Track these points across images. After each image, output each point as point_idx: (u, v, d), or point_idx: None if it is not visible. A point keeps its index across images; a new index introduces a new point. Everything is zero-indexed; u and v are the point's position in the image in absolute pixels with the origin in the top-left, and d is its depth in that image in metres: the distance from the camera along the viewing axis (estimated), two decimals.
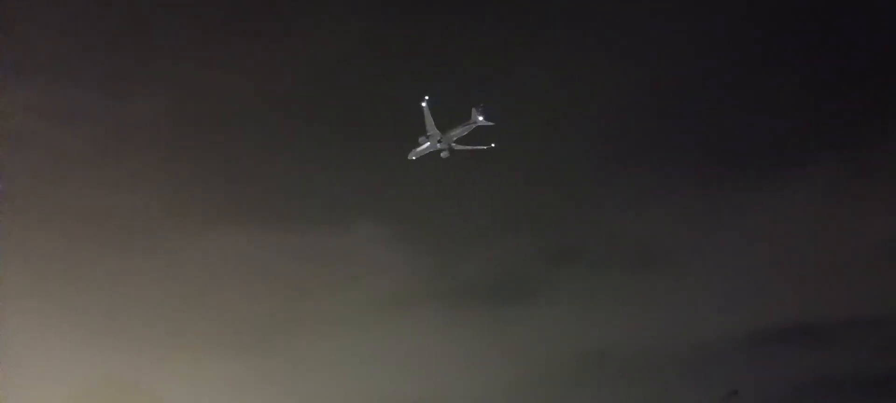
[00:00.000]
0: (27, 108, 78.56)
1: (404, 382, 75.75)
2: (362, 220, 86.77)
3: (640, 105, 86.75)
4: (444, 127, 40.93)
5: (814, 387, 72.75)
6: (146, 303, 76.08)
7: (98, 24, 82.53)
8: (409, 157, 40.95)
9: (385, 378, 77.76)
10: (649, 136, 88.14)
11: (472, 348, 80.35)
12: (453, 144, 40.61)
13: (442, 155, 40.49)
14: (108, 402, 47.26)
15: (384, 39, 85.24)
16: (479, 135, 43.65)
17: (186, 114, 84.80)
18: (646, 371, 73.64)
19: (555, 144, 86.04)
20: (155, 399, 50.35)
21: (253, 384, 74.87)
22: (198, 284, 78.69)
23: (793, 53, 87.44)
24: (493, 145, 41.70)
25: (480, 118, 38.91)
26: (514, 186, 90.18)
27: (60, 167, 78.69)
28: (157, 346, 73.20)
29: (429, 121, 37.84)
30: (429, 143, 39.22)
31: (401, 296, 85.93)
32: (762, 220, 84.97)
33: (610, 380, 73.67)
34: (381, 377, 76.79)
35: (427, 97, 37.94)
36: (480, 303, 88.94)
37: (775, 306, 79.50)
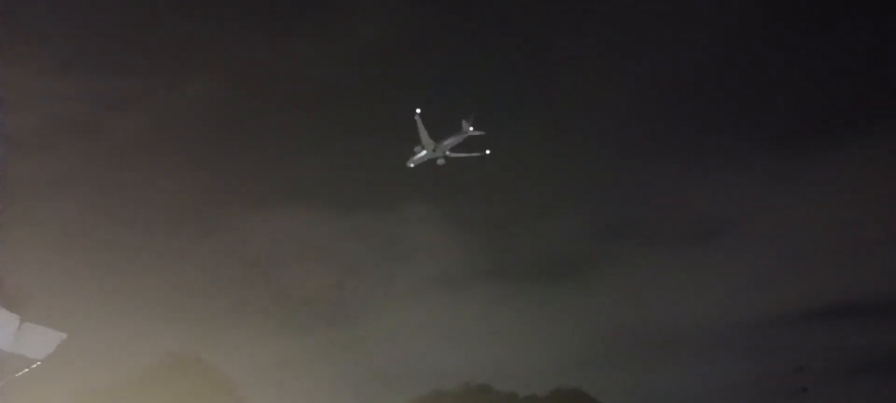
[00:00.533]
0: (79, 97, 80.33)
1: (457, 358, 75.79)
2: (411, 201, 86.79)
3: (692, 75, 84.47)
4: (440, 135, 42.03)
5: (879, 364, 70.14)
6: (206, 283, 77.54)
7: (145, 12, 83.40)
8: (408, 165, 42.26)
9: (438, 354, 77.90)
10: (701, 108, 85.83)
11: (524, 325, 79.81)
12: (448, 153, 41.70)
13: (438, 162, 41.69)
14: (172, 378, 48.19)
15: (425, 25, 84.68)
16: (479, 142, 44.63)
17: (236, 98, 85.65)
18: (704, 346, 71.95)
19: (604, 118, 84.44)
20: (217, 373, 51.28)
21: (310, 359, 75.83)
22: (255, 263, 79.91)
23: (854, 18, 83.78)
24: (487, 152, 42.83)
25: (470, 128, 40.18)
26: (564, 162, 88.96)
27: (116, 153, 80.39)
28: (218, 323, 74.59)
29: (422, 132, 38.72)
30: (425, 152, 40.31)
31: (452, 274, 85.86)
32: (822, 191, 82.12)
33: (665, 356, 72.25)
34: (434, 352, 76.93)
35: (419, 110, 38.67)
36: (531, 280, 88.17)
37: (838, 281, 76.77)
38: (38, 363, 4.19)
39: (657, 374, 65.17)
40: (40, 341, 4.15)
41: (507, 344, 72.97)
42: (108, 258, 71.67)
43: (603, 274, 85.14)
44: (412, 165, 41.35)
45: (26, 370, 4.34)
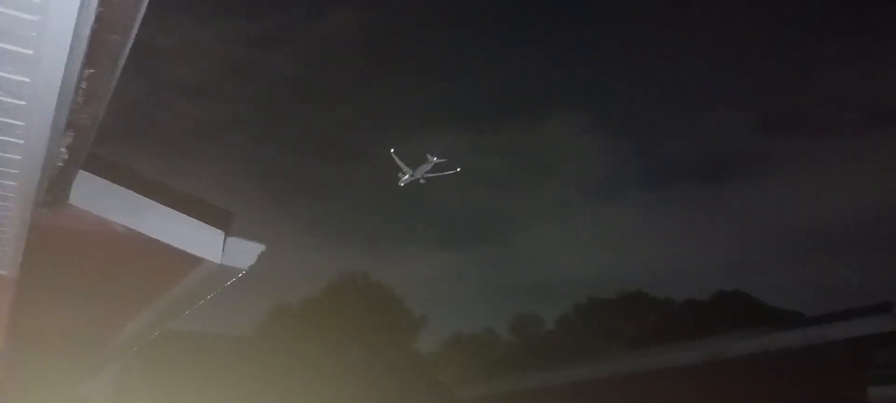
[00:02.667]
0: (236, 40, 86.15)
1: (610, 267, 75.51)
2: (555, 110, 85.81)
3: None
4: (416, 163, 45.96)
5: None
6: (365, 207, 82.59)
7: None
8: (399, 184, 46.42)
9: (591, 265, 78.02)
10: None
11: (679, 230, 77.58)
12: (426, 175, 45.06)
13: (420, 181, 45.16)
14: (348, 293, 52.44)
15: None
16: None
17: (379, 25, 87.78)
18: (882, 241, 66.17)
19: None
20: (383, 288, 55.06)
21: (464, 274, 79.09)
22: (408, 185, 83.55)
23: None
24: (458, 170, 46.34)
25: (434, 159, 42.89)
26: (720, 52, 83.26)
27: (274, 90, 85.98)
28: (378, 244, 79.67)
29: (400, 164, 41.79)
30: (407, 177, 43.70)
31: (601, 183, 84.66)
32: None
33: (838, 254, 67.43)
34: (586, 263, 77.14)
35: (393, 149, 41.82)
36: (687, 184, 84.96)
37: None
38: (243, 272, 4.95)
39: (829, 273, 60.99)
40: (243, 252, 4.89)
41: (662, 251, 71.46)
42: (282, 185, 78.25)
43: (761, 172, 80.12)
44: (401, 184, 46.25)
45: (234, 279, 5.16)
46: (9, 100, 2.72)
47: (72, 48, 2.48)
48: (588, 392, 16.17)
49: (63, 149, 3.72)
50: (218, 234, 5.54)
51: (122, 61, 2.99)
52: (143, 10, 2.73)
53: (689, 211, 78.77)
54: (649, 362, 15.25)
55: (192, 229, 5.38)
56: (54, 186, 4.07)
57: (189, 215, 5.40)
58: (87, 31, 2.53)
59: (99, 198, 4.85)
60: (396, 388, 23.15)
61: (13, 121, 2.88)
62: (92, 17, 2.47)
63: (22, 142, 3.05)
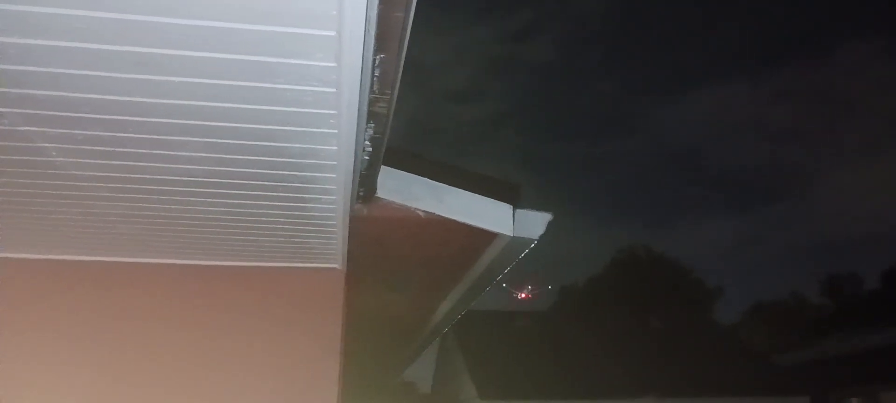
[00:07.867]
0: (495, 39, 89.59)
1: None
2: (844, 41, 74.85)
3: None
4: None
5: None
6: (636, 180, 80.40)
7: None
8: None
9: None
10: None
11: None
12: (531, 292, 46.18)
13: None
14: (632, 269, 51.44)
15: None
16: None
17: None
18: None
19: None
20: (669, 260, 52.91)
21: (758, 237, 72.66)
22: (681, 152, 79.62)
23: None
24: (549, 287, 46.87)
25: (529, 287, 44.01)
26: None
27: (535, 78, 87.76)
28: (658, 215, 76.71)
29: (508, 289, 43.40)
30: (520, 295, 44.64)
31: None
32: None
33: None
34: None
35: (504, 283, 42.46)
36: None
37: None
38: (534, 241, 5.09)
39: None
40: (532, 222, 5.04)
41: None
42: (554, 169, 79.70)
43: None
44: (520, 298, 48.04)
45: (527, 250, 5.32)
46: (321, 88, 2.91)
47: (366, 28, 2.56)
48: None
49: (367, 142, 3.99)
50: (507, 208, 5.70)
51: (405, 43, 3.03)
52: None
53: None
54: None
55: (485, 206, 5.59)
56: (365, 179, 4.41)
57: (480, 193, 5.61)
58: (375, 11, 2.59)
59: (399, 188, 5.22)
60: (707, 356, 21.93)
61: (327, 111, 3.10)
62: None
63: (336, 131, 3.30)
